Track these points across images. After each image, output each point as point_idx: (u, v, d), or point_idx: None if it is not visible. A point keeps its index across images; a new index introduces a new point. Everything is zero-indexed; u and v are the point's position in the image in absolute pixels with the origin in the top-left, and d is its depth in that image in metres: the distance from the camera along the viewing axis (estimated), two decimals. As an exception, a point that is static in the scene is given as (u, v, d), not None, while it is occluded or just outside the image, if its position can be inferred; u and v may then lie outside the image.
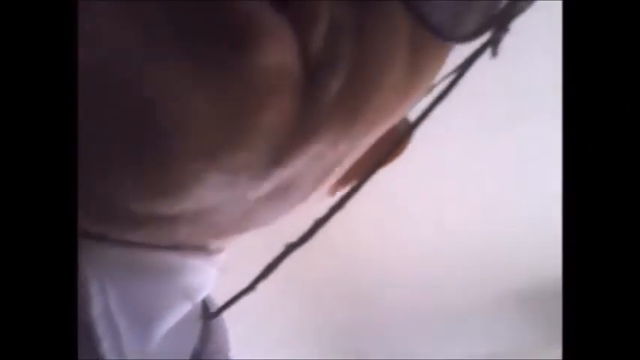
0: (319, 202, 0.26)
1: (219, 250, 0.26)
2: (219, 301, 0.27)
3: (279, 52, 0.15)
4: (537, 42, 0.91)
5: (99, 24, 0.14)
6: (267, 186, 0.19)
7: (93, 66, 0.15)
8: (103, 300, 0.19)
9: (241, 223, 0.22)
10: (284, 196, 0.21)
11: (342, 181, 0.26)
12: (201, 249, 0.24)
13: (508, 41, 0.21)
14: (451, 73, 0.23)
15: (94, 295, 0.19)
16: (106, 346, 0.19)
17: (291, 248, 0.23)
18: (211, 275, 0.26)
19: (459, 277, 1.59)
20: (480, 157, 1.26)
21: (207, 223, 0.20)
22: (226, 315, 0.27)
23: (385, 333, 1.74)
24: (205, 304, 0.27)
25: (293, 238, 0.23)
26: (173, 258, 0.23)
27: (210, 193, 0.18)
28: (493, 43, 0.20)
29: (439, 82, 0.23)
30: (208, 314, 0.27)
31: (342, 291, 1.60)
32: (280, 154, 0.18)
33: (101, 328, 0.19)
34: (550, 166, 0.97)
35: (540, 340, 1.66)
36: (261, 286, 0.24)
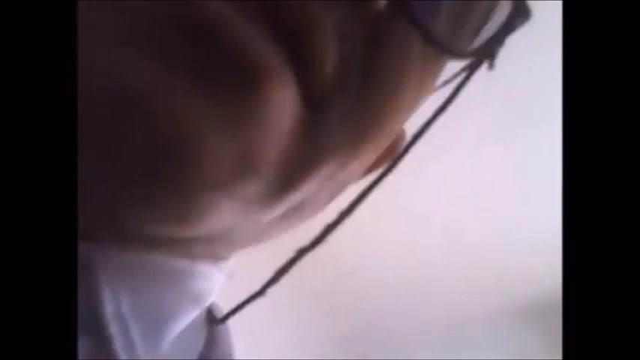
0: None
1: (226, 257, 0.26)
2: (226, 306, 0.27)
3: (280, 92, 0.16)
4: (539, 50, 0.91)
5: (124, 53, 0.15)
6: (279, 209, 0.20)
7: (115, 95, 0.15)
8: (115, 302, 0.20)
9: (255, 240, 0.23)
10: (297, 215, 0.22)
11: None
12: (209, 256, 0.25)
13: (510, 50, 0.21)
14: (449, 80, 0.23)
15: (106, 297, 0.20)
16: (118, 346, 0.19)
17: (301, 253, 0.23)
18: (219, 281, 0.26)
19: (460, 286, 1.59)
20: (481, 165, 1.25)
21: (221, 243, 0.21)
22: (235, 321, 0.27)
23: (387, 342, 1.73)
24: (210, 311, 0.27)
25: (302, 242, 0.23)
26: (183, 263, 0.23)
27: (224, 218, 0.19)
28: (489, 57, 0.20)
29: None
30: (216, 319, 0.27)
31: (345, 300, 1.60)
32: (290, 181, 0.19)
33: (113, 329, 0.19)
34: (552, 175, 0.97)
35: (541, 350, 1.65)
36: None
